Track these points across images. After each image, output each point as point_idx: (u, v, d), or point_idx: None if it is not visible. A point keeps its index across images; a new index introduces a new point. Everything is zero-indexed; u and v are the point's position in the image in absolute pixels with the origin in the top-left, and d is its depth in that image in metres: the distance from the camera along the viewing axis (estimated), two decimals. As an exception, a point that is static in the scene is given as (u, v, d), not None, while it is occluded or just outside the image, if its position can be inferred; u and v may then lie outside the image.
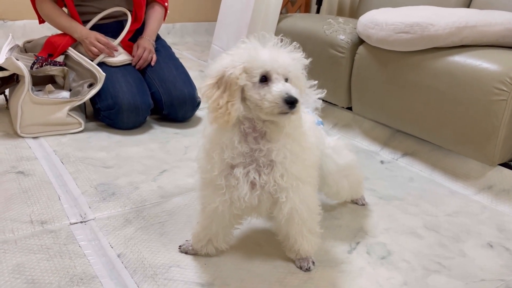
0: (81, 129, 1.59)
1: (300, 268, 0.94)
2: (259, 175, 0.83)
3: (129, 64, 1.71)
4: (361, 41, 1.65)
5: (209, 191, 0.87)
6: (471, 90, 1.29)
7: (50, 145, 1.45)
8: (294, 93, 0.77)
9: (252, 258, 0.96)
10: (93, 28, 1.71)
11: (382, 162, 1.53)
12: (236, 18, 2.09)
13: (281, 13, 2.02)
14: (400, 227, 1.13)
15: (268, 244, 1.01)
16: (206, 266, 0.93)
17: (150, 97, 1.63)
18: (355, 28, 1.68)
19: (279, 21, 2.00)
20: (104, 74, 1.57)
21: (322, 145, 1.01)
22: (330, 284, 0.90)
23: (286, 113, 0.78)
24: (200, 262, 0.94)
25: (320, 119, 1.12)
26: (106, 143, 1.51)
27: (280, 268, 0.94)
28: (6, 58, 1.50)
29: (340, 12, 2.78)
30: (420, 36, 1.37)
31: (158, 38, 1.88)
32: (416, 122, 1.48)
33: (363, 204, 1.23)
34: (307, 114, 0.99)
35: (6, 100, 1.73)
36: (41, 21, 1.77)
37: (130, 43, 1.74)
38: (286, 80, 0.80)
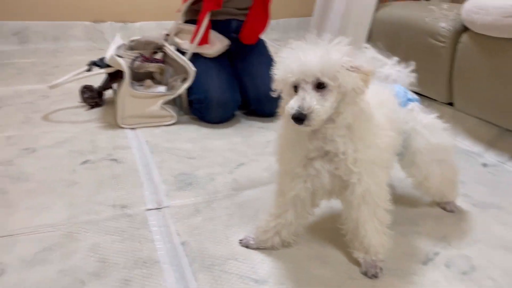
0: (173, 121, 1.68)
1: (365, 274, 0.87)
2: (330, 163, 0.82)
3: (225, 57, 1.76)
4: (465, 29, 1.47)
5: (287, 180, 0.87)
6: None
7: (144, 136, 1.56)
8: (305, 107, 0.73)
9: (312, 259, 0.92)
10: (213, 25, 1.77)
11: (484, 165, 1.35)
12: (331, 10, 2.03)
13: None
14: (493, 240, 0.98)
15: (332, 245, 0.95)
16: (263, 262, 0.91)
17: (238, 94, 1.66)
18: (460, 15, 1.51)
19: (377, 10, 1.88)
20: (194, 69, 1.64)
21: (398, 123, 0.93)
22: (394, 295, 0.82)
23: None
24: (258, 257, 0.92)
25: (415, 96, 1.02)
26: (194, 135, 1.57)
27: (341, 272, 0.88)
28: (111, 56, 1.65)
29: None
30: (534, 20, 1.17)
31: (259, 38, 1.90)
32: (528, 120, 1.28)
33: (452, 211, 1.10)
34: (383, 92, 0.92)
35: (114, 94, 1.90)
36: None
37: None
38: (321, 84, 0.75)
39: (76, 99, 1.92)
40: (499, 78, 1.33)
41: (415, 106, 1.00)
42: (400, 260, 0.92)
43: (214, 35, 1.80)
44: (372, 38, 1.88)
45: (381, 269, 0.87)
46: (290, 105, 0.75)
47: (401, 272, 0.88)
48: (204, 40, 1.73)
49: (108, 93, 1.96)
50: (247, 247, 0.96)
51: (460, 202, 1.13)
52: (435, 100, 1.66)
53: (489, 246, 0.96)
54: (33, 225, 1.02)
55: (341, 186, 0.84)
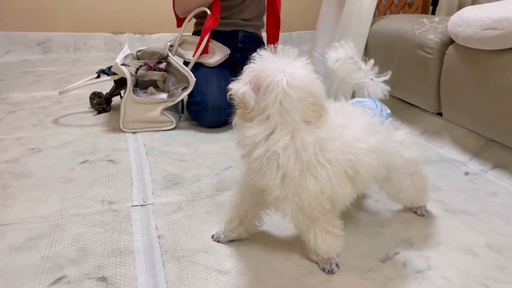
0: (172, 126, 1.77)
1: (323, 270, 0.92)
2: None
3: (227, 65, 1.85)
4: (451, 41, 1.51)
5: (245, 171, 0.92)
6: None
7: (143, 139, 1.65)
8: None
9: (276, 254, 0.97)
10: (212, 34, 1.87)
11: (466, 173, 1.38)
12: (331, 23, 2.09)
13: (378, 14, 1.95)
14: (455, 243, 1.02)
15: (298, 243, 1.00)
16: (230, 256, 0.97)
17: None
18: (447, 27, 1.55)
19: (372, 23, 1.93)
20: (194, 79, 1.73)
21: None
22: (347, 289, 0.87)
23: None
24: (227, 251, 0.98)
25: (389, 111, 1.06)
26: (189, 140, 1.65)
27: (302, 267, 0.93)
28: (115, 63, 1.75)
29: (460, 12, 2.54)
30: (509, 32, 1.20)
31: (263, 44, 2.00)
32: (509, 130, 1.30)
33: (422, 215, 1.13)
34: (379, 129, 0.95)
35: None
36: (179, 25, 1.98)
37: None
38: None
39: (87, 104, 2.04)
40: (483, 89, 1.36)
41: (389, 123, 1.01)
42: (360, 258, 0.96)
43: (215, 45, 1.90)
44: (368, 49, 1.93)
45: (337, 265, 0.92)
46: None
47: (358, 268, 0.93)
48: (204, 51, 1.83)
49: (116, 99, 2.07)
50: (218, 241, 1.02)
51: (433, 208, 1.17)
52: (425, 110, 1.69)
53: (450, 249, 0.99)
54: (27, 216, 1.12)
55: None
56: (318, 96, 0.81)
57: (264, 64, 0.81)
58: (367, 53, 1.92)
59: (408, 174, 1.03)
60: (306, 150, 0.80)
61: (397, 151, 1.00)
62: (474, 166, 1.42)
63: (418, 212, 1.14)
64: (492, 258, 0.96)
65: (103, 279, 0.89)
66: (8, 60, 3.12)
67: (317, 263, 0.93)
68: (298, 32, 3.78)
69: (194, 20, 1.99)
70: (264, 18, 2.05)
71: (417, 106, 1.73)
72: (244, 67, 0.83)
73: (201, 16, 1.92)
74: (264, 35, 2.06)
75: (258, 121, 0.80)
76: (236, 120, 0.84)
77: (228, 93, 0.82)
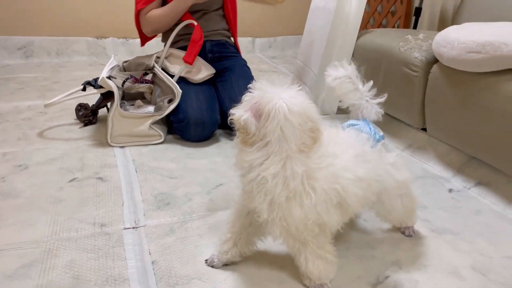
0: (161, 140, 1.77)
1: (316, 295, 0.94)
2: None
3: (208, 80, 1.87)
4: (436, 60, 1.55)
5: (241, 194, 0.95)
6: (549, 117, 1.14)
7: (131, 154, 1.65)
8: None
9: (271, 280, 0.99)
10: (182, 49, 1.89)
11: (450, 190, 1.42)
12: (317, 35, 2.11)
13: (366, 27, 1.98)
14: (442, 265, 1.05)
15: (292, 268, 1.02)
16: (225, 281, 0.98)
17: (218, 114, 1.75)
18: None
19: (358, 37, 1.96)
20: (180, 91, 1.73)
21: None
22: (340, 316, 0.89)
23: None
24: (221, 277, 1.00)
25: (381, 133, 1.09)
26: (178, 154, 1.66)
27: (296, 293, 0.95)
28: (102, 78, 1.74)
29: (442, 24, 2.61)
30: (492, 56, 1.25)
31: (238, 55, 2.02)
32: (489, 149, 1.34)
33: (410, 235, 1.17)
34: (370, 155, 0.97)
35: (108, 112, 2.00)
36: (143, 43, 2.01)
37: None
38: None
39: (72, 116, 2.02)
40: (465, 108, 1.40)
41: (381, 145, 1.04)
42: (352, 282, 0.99)
43: (201, 62, 1.90)
44: (354, 63, 1.96)
45: (329, 289, 0.94)
46: None
47: (350, 294, 0.95)
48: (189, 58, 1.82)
49: (103, 111, 2.06)
50: (212, 266, 1.03)
51: (420, 227, 1.20)
52: (410, 125, 1.73)
53: (438, 271, 1.03)
54: (17, 241, 1.11)
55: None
56: (315, 121, 0.83)
57: (263, 92, 0.83)
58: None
59: (399, 195, 1.06)
60: (294, 179, 0.82)
61: (389, 174, 1.02)
62: (457, 182, 1.46)
63: (406, 232, 1.17)
64: (477, 281, 1.00)
65: (99, 310, 0.89)
66: (-12, 65, 3.05)
67: (311, 289, 0.96)
68: (283, 37, 3.80)
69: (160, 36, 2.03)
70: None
71: (402, 121, 1.77)
72: (243, 97, 0.85)
73: (178, 34, 1.92)
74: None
75: (258, 147, 0.82)
76: (236, 143, 0.86)
77: (229, 118, 0.84)
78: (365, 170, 0.92)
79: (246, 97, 0.85)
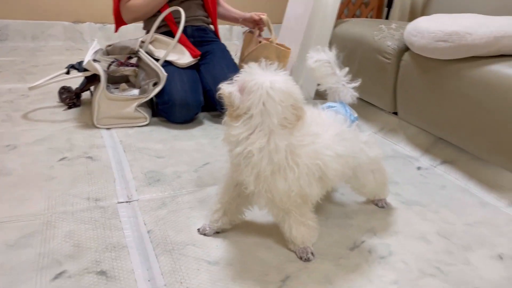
0: (146, 123, 1.82)
1: (300, 258, 1.04)
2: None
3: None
4: (407, 48, 1.67)
5: (230, 168, 1.03)
6: (506, 100, 1.27)
7: (118, 136, 1.70)
8: None
9: (259, 245, 1.08)
10: (167, 34, 1.97)
11: (419, 168, 1.55)
12: (296, 22, 2.20)
13: (340, 17, 2.09)
14: (411, 232, 1.17)
15: (278, 234, 1.12)
16: (217, 248, 1.07)
17: (201, 95, 1.83)
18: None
19: (335, 26, 2.07)
20: (165, 74, 1.80)
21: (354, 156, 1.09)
22: (322, 274, 0.99)
23: None
24: (213, 243, 1.08)
25: (356, 115, 1.19)
26: (164, 136, 1.72)
27: (282, 256, 1.05)
28: (88, 61, 1.78)
29: (412, 15, 2.74)
30: (458, 45, 1.37)
31: (218, 40, 2.10)
32: (454, 130, 1.47)
33: (383, 207, 1.28)
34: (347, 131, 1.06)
35: (92, 95, 2.03)
36: (117, 29, 2.07)
37: (192, 47, 1.95)
38: None
39: (55, 99, 2.05)
40: (434, 94, 1.52)
41: (355, 125, 1.14)
42: (332, 246, 1.09)
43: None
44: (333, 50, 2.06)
45: (312, 253, 1.04)
46: None
47: (331, 256, 1.06)
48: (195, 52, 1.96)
49: (85, 94, 2.09)
50: (204, 234, 1.11)
51: (392, 200, 1.32)
52: (383, 109, 1.85)
53: (407, 237, 1.15)
54: (15, 214, 1.16)
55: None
56: (298, 99, 0.92)
57: (251, 73, 0.91)
58: (330, 54, 2.06)
59: (371, 170, 1.17)
60: (278, 153, 0.90)
61: (363, 151, 1.13)
62: (425, 161, 1.59)
63: (379, 204, 1.29)
64: (442, 244, 1.12)
65: (103, 272, 0.97)
66: (-39, 48, 3.01)
67: (295, 252, 1.06)
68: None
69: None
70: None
71: (375, 105, 1.89)
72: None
73: (149, 18, 2.01)
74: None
75: (243, 122, 0.90)
76: (225, 119, 0.94)
77: (217, 93, 0.92)
78: (344, 148, 1.02)
79: (236, 77, 0.93)
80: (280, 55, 1.95)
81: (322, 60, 1.17)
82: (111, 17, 2.07)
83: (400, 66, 1.67)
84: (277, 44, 2.00)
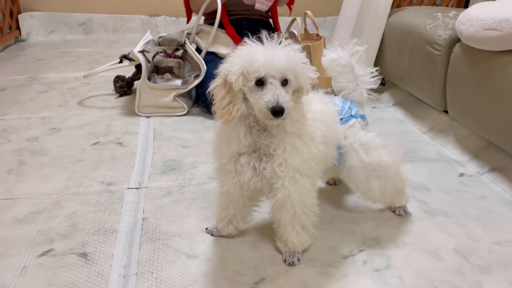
0: (184, 112, 1.85)
1: (285, 261, 0.97)
2: (260, 162, 0.90)
3: None
4: (459, 39, 1.47)
5: (221, 175, 0.98)
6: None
7: (154, 124, 1.75)
8: (283, 101, 0.80)
9: (245, 244, 1.03)
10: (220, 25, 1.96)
11: (461, 174, 1.36)
12: (350, 14, 2.07)
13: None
14: (422, 245, 1.03)
15: (267, 235, 1.06)
16: (203, 241, 1.04)
17: None
18: (458, 23, 1.51)
19: (390, 15, 1.90)
20: (205, 68, 1.80)
21: (335, 139, 1.00)
22: (301, 281, 0.91)
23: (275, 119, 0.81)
24: (200, 237, 1.06)
25: (362, 113, 1.08)
26: (197, 127, 1.73)
27: (266, 257, 0.99)
28: (131, 50, 1.85)
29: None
30: (508, 34, 1.17)
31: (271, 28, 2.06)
32: (506, 133, 1.27)
33: (400, 215, 1.15)
34: (325, 105, 0.99)
35: (142, 84, 2.11)
36: (188, 20, 2.11)
37: (237, 36, 1.93)
38: (285, 81, 0.83)
39: (111, 87, 2.17)
40: (482, 90, 1.32)
41: (357, 122, 1.04)
42: (324, 253, 1.00)
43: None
44: (384, 42, 1.90)
45: (299, 259, 0.97)
46: (267, 98, 0.80)
47: (319, 262, 0.97)
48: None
49: (137, 84, 2.18)
50: (212, 234, 1.07)
51: (414, 208, 1.18)
52: (434, 107, 1.66)
53: (415, 250, 1.01)
54: (33, 192, 1.24)
55: (267, 187, 0.92)
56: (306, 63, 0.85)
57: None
58: (382, 46, 1.90)
59: (374, 177, 1.04)
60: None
61: (356, 151, 1.02)
62: (471, 167, 1.40)
63: (396, 212, 1.15)
64: (455, 262, 0.97)
65: (84, 255, 0.99)
66: (52, 39, 3.32)
67: (282, 253, 0.99)
68: (333, 17, 3.72)
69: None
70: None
71: (425, 102, 1.71)
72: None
73: (209, 13, 1.98)
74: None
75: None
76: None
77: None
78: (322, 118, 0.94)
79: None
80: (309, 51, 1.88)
81: (336, 59, 1.07)
82: (184, 10, 2.12)
83: (450, 59, 1.48)
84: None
